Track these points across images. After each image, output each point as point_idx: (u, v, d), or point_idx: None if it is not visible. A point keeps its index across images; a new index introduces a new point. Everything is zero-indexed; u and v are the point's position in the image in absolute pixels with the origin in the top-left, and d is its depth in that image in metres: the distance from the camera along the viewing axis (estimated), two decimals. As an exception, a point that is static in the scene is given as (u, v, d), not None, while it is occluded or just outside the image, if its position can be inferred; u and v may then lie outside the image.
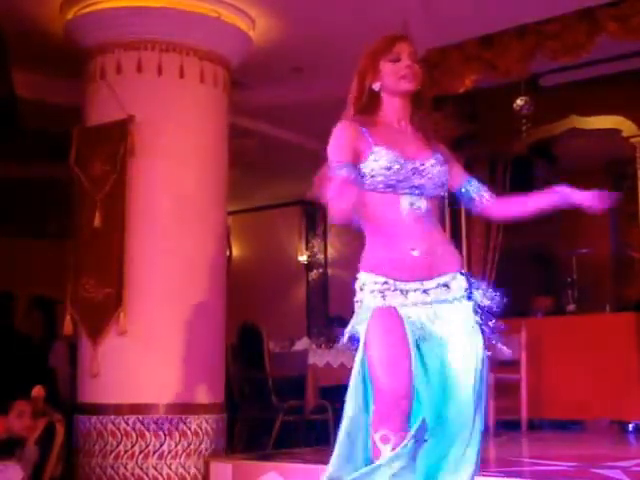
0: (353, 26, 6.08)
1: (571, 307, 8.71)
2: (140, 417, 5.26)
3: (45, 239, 8.97)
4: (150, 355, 5.33)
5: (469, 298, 2.63)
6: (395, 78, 2.60)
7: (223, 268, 5.91)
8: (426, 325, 2.52)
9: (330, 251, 11.36)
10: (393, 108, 2.65)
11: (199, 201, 5.66)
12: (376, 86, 2.63)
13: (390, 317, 2.47)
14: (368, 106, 2.63)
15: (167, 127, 5.54)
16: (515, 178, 8.50)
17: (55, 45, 6.08)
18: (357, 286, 2.58)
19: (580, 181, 10.03)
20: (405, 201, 2.56)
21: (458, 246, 8.63)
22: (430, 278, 2.56)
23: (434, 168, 2.60)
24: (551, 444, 7.04)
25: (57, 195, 6.92)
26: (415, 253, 2.54)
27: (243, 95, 6.79)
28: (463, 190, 2.74)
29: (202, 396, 5.49)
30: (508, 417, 7.60)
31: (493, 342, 2.71)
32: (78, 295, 5.50)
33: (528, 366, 7.48)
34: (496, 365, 7.72)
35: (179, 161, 5.57)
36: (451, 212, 8.69)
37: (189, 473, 5.32)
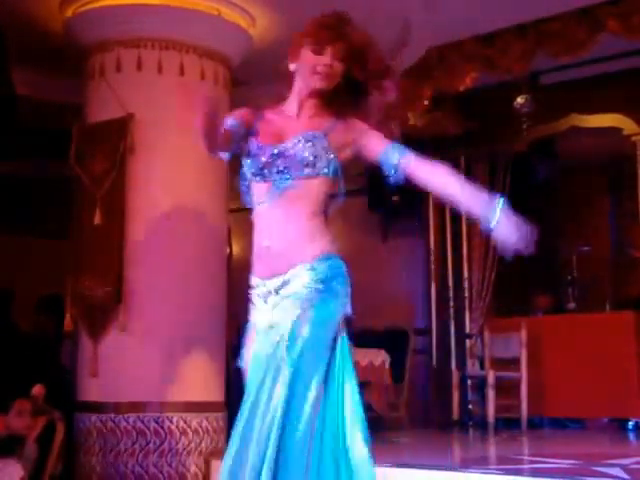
0: (354, 24, 6.07)
1: (571, 305, 8.72)
2: (140, 415, 5.25)
3: (45, 237, 8.96)
4: (150, 353, 5.33)
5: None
6: (309, 71, 2.52)
7: (223, 266, 5.91)
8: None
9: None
10: (298, 93, 2.58)
11: (199, 199, 5.65)
12: (292, 66, 2.59)
13: None
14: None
15: (167, 125, 5.53)
16: (515, 176, 8.51)
17: (55, 43, 6.07)
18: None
19: (580, 179, 10.03)
20: (273, 187, 2.48)
21: (459, 246, 8.66)
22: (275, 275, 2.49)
23: (296, 147, 2.47)
24: (551, 442, 7.05)
25: (57, 193, 6.91)
26: (266, 243, 2.49)
27: (243, 93, 6.78)
28: (382, 158, 2.53)
29: (202, 394, 5.49)
30: (508, 415, 7.60)
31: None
32: (78, 293, 5.50)
33: (528, 364, 7.49)
34: (496, 363, 7.75)
35: (179, 159, 5.56)
36: (451, 212, 8.71)
37: (189, 471, 5.32)
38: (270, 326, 2.44)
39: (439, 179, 2.56)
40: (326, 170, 2.49)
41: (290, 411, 2.31)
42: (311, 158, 2.47)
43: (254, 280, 2.56)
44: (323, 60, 2.50)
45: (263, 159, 2.47)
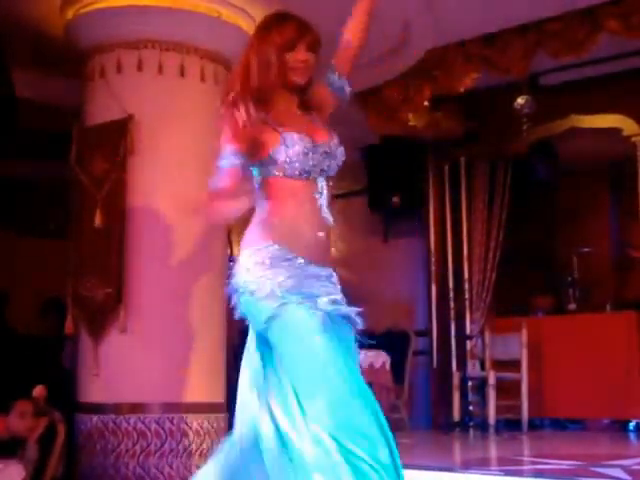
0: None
1: (572, 306, 8.73)
2: (141, 416, 5.25)
3: (45, 238, 8.96)
4: (151, 354, 5.33)
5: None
6: (287, 68, 2.49)
7: (224, 267, 5.91)
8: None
9: (331, 251, 11.35)
10: (282, 96, 2.55)
11: (199, 200, 5.64)
12: (254, 66, 2.51)
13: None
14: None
15: (167, 126, 5.53)
16: (515, 177, 8.51)
17: (55, 44, 6.08)
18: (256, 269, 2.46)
19: (580, 180, 10.03)
20: (318, 185, 2.49)
21: (459, 246, 8.67)
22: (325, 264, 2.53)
23: (338, 149, 2.54)
24: (552, 443, 7.05)
25: (57, 194, 6.91)
26: (321, 234, 2.50)
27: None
28: (333, 86, 2.63)
29: (203, 395, 5.49)
30: (509, 416, 7.61)
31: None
32: (79, 294, 5.50)
33: (529, 365, 7.49)
34: (497, 364, 7.75)
35: (179, 160, 5.56)
36: (452, 213, 8.71)
37: (190, 472, 5.31)
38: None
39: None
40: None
41: None
42: (343, 160, 2.55)
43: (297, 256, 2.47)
44: (298, 56, 2.49)
45: (316, 156, 2.46)
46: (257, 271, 2.42)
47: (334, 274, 2.55)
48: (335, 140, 2.54)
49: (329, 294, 2.46)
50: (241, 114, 2.45)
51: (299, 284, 2.40)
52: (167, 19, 5.62)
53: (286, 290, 2.39)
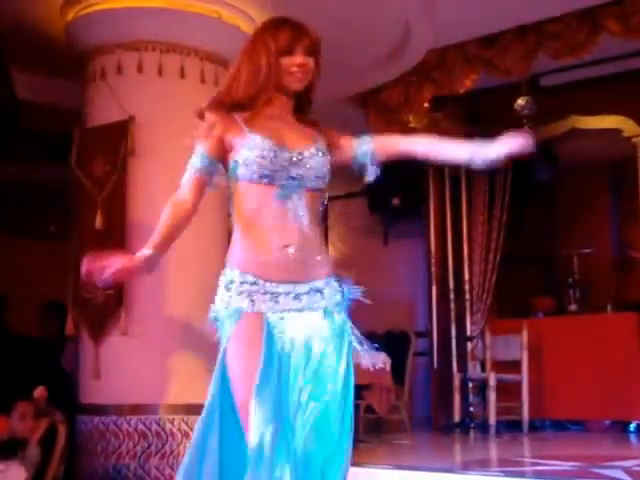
0: (355, 26, 6.08)
1: (572, 307, 8.72)
2: (142, 418, 5.25)
3: (46, 240, 8.97)
4: (152, 356, 5.33)
5: (342, 308, 2.44)
6: (284, 72, 2.42)
7: (224, 268, 5.90)
8: (293, 334, 2.38)
9: (331, 251, 11.37)
10: (278, 100, 2.47)
11: (200, 202, 5.65)
12: (245, 73, 2.45)
13: (255, 327, 2.36)
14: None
15: (168, 127, 5.53)
16: (516, 178, 8.50)
17: (56, 46, 6.08)
18: (222, 283, 2.50)
19: (581, 181, 10.03)
20: (282, 193, 2.38)
21: (459, 248, 8.67)
22: (303, 281, 2.41)
23: (313, 158, 2.41)
24: (552, 444, 7.05)
25: (58, 196, 6.92)
26: (290, 250, 2.37)
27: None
28: (357, 151, 2.50)
29: (204, 396, 5.47)
30: (509, 417, 7.60)
31: (361, 352, 2.49)
32: (79, 296, 5.50)
33: (529, 366, 7.49)
34: (497, 365, 7.75)
35: (180, 161, 5.52)
36: (452, 213, 8.71)
37: (191, 474, 5.32)
38: (301, 327, 2.40)
39: (414, 144, 2.54)
40: (325, 185, 2.47)
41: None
42: (325, 171, 2.44)
43: (255, 278, 2.42)
44: (296, 60, 2.43)
45: (276, 162, 2.37)
46: (221, 294, 2.52)
47: (328, 285, 2.42)
48: (313, 150, 2.42)
49: (309, 307, 2.40)
50: (213, 115, 2.45)
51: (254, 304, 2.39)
52: (167, 21, 5.62)
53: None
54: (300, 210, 2.40)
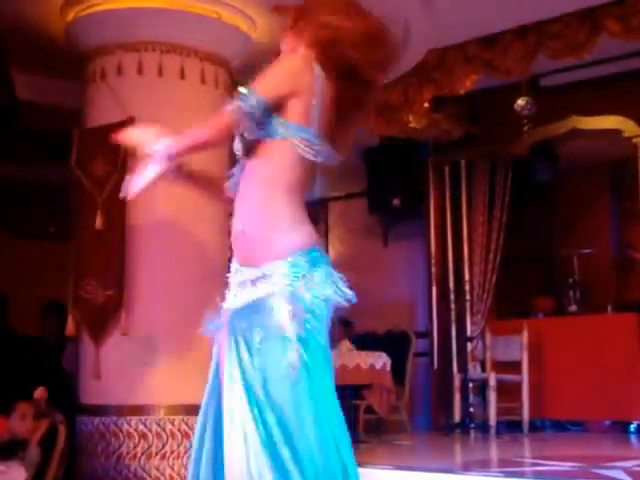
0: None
1: (572, 308, 8.72)
2: (142, 418, 5.25)
3: (46, 240, 8.97)
4: (152, 356, 5.33)
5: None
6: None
7: (224, 269, 5.90)
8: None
9: (331, 252, 11.37)
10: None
11: (200, 201, 5.64)
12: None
13: None
14: None
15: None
16: (516, 178, 8.51)
17: (56, 46, 6.08)
18: (299, 267, 2.20)
19: (581, 181, 10.02)
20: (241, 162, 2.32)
21: (459, 248, 8.66)
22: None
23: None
24: (552, 445, 7.05)
25: (58, 196, 6.91)
26: (238, 227, 2.28)
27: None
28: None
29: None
30: (510, 418, 7.61)
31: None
32: (80, 297, 5.50)
33: (530, 367, 7.49)
34: (498, 366, 7.75)
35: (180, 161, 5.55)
36: (452, 214, 8.71)
37: (191, 474, 5.32)
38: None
39: None
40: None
41: None
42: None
43: (233, 265, 2.37)
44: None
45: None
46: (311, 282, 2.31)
47: (270, 271, 2.22)
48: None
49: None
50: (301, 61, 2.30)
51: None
52: (167, 21, 5.62)
53: None
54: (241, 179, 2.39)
